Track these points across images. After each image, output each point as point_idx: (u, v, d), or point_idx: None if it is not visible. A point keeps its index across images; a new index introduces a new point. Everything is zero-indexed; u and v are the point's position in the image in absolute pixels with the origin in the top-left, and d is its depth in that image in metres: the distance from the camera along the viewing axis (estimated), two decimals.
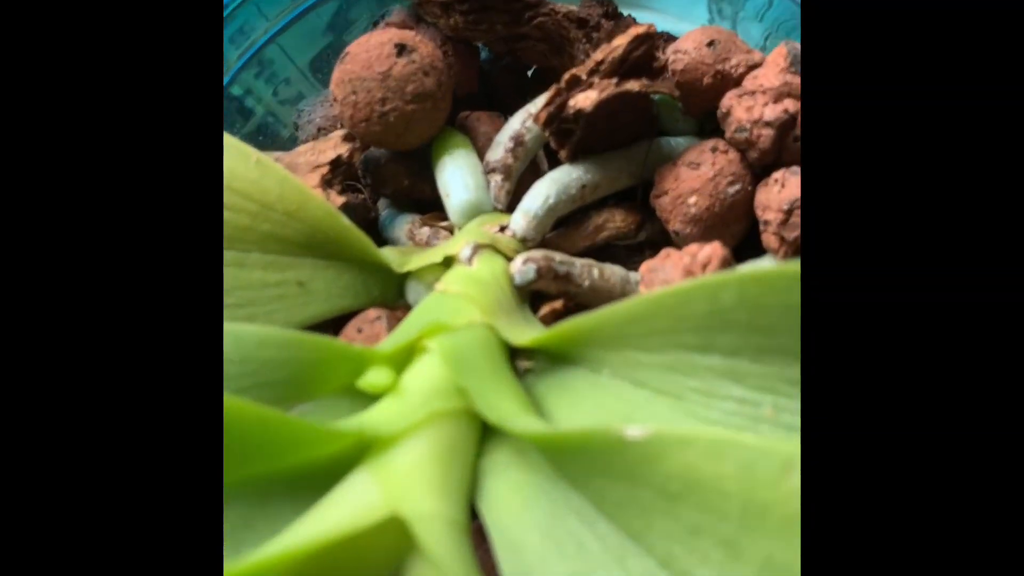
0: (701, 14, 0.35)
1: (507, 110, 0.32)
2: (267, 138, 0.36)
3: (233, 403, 0.20)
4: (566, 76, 0.27)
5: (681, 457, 0.19)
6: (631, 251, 0.30)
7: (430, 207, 0.31)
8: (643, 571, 0.19)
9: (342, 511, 0.20)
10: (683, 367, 0.22)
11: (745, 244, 0.30)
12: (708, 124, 0.32)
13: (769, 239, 0.28)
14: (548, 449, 0.21)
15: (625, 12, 0.33)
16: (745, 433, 0.21)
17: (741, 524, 0.18)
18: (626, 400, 0.23)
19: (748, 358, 0.21)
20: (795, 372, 0.21)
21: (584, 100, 0.27)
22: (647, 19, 0.33)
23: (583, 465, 0.20)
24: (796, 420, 0.21)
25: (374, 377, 0.23)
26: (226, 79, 0.35)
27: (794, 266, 0.20)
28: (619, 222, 0.29)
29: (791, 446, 0.18)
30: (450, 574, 0.19)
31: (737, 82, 0.28)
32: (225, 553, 0.21)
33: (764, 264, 0.29)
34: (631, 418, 0.22)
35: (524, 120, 0.30)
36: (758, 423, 0.21)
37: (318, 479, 0.22)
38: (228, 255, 0.26)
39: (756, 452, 0.18)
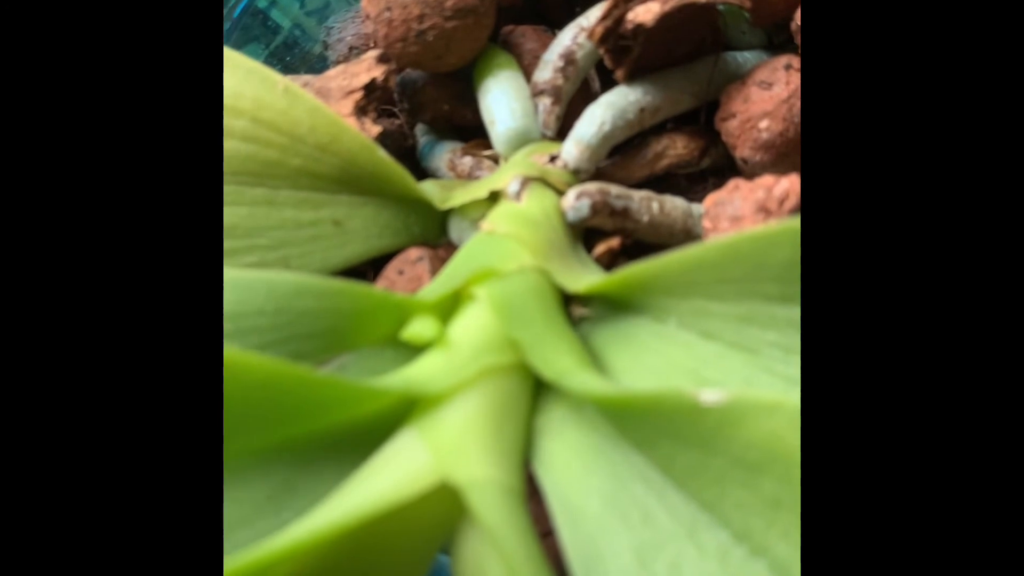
0: None
1: (555, 23, 0.29)
2: (295, 55, 0.34)
3: (269, 363, 0.18)
4: None
5: (763, 425, 0.17)
6: (693, 180, 0.28)
7: (473, 134, 0.28)
8: (717, 545, 0.18)
9: (389, 476, 0.19)
10: (760, 319, 0.20)
11: None
12: (777, 36, 0.29)
13: None
14: (610, 409, 0.20)
15: None
16: None
17: None
18: (695, 354, 0.21)
19: None
20: None
21: (645, 13, 0.24)
22: None
23: (649, 428, 0.19)
24: None
25: (418, 328, 0.21)
26: None
27: None
28: (681, 149, 0.27)
29: None
30: (507, 548, 0.17)
31: None
32: (266, 518, 0.20)
33: None
34: (700, 374, 0.21)
35: (575, 35, 0.27)
36: None
37: (362, 438, 0.21)
38: (257, 192, 0.24)
39: None
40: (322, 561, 0.18)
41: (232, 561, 0.16)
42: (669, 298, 0.21)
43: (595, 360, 0.22)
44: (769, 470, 0.17)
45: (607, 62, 0.26)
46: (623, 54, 0.25)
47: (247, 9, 0.33)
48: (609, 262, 0.25)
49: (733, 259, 0.20)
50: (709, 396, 0.17)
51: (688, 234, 0.26)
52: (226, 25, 0.29)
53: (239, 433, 0.19)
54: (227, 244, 0.24)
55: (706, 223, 0.25)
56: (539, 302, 0.22)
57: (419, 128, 0.30)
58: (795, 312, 0.19)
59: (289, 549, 0.16)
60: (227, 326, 0.20)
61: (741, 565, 0.17)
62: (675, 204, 0.26)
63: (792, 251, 0.19)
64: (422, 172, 0.29)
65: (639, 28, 0.24)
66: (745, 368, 0.20)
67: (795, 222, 0.18)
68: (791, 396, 0.19)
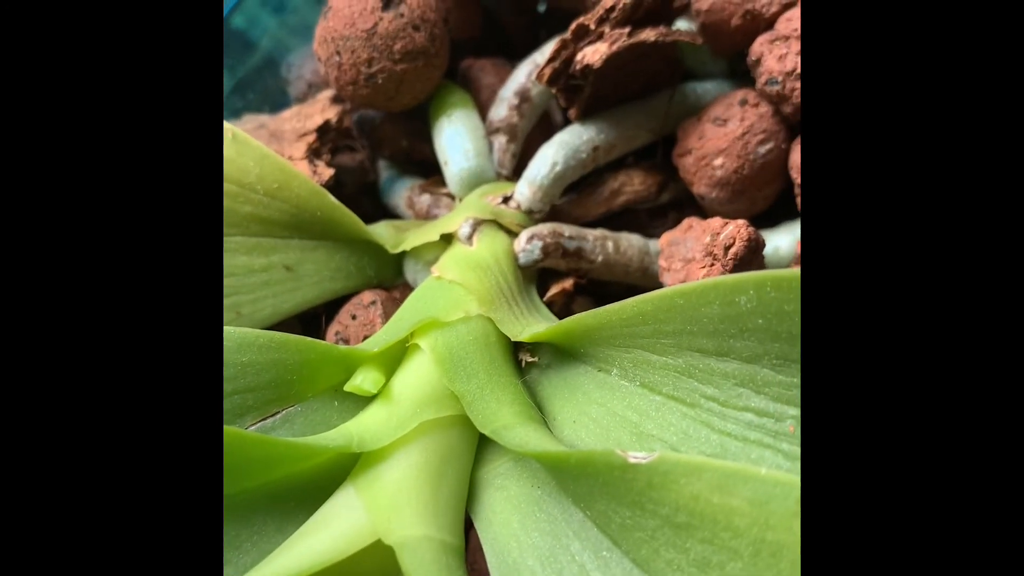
0: None
1: (518, 54, 0.29)
2: (274, 73, 0.33)
3: None
4: (572, 26, 0.24)
5: (689, 487, 0.17)
6: (654, 215, 0.27)
7: (433, 169, 0.28)
8: None
9: (328, 535, 0.19)
10: (697, 372, 0.20)
11: (780, 205, 0.27)
12: (740, 65, 0.28)
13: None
14: (549, 464, 0.20)
15: None
16: (763, 450, 0.19)
17: (752, 564, 0.16)
18: (636, 406, 0.21)
19: (769, 367, 0.19)
20: None
21: (593, 55, 0.24)
22: None
23: (587, 485, 0.19)
24: None
25: (360, 382, 0.21)
26: (227, 8, 0.33)
27: None
28: (638, 185, 0.27)
29: None
30: None
31: (770, 23, 0.25)
32: None
33: (796, 232, 0.26)
34: (640, 427, 0.20)
35: (530, 72, 0.27)
36: (779, 439, 0.19)
37: (304, 493, 0.21)
38: None
39: (769, 486, 0.16)
40: None
41: None
42: (611, 349, 0.21)
43: (541, 409, 0.22)
44: (695, 532, 0.17)
45: (560, 101, 0.26)
46: (575, 93, 0.25)
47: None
48: (563, 303, 0.25)
49: (668, 313, 0.20)
50: (637, 456, 0.17)
51: (645, 272, 0.26)
52: None
53: None
54: None
55: (662, 262, 0.24)
56: (483, 352, 0.22)
57: (381, 163, 0.30)
58: (731, 366, 0.19)
59: None
60: None
61: None
62: (631, 242, 0.26)
63: (722, 307, 0.18)
64: (383, 208, 0.29)
65: (587, 69, 0.24)
66: (683, 421, 0.20)
67: (722, 279, 0.18)
68: (726, 454, 0.19)
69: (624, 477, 0.18)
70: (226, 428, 0.19)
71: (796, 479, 0.16)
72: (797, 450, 0.19)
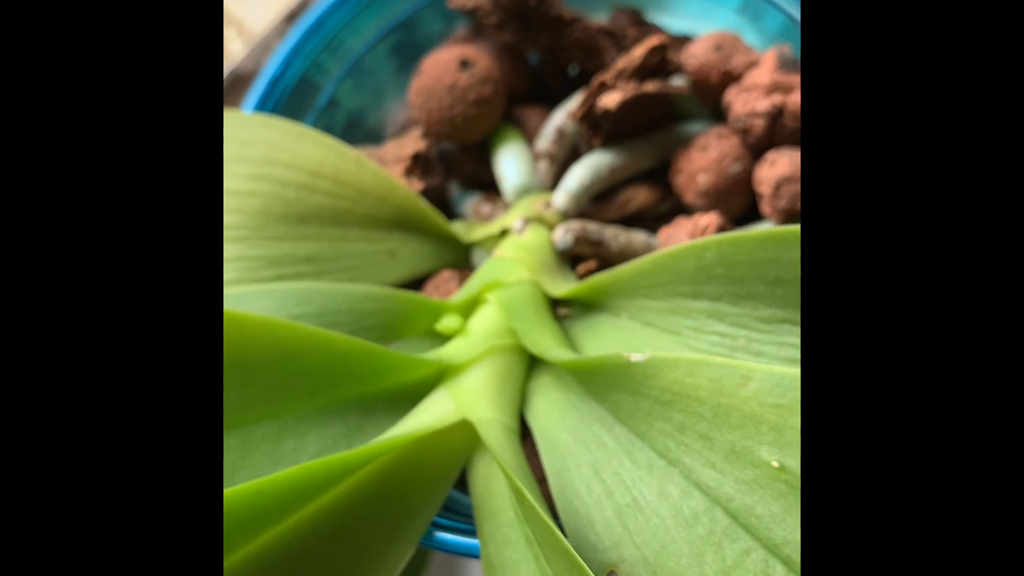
0: (720, 14, 0.41)
1: (554, 103, 0.39)
2: (356, 133, 0.43)
3: (349, 340, 0.28)
4: (595, 82, 0.34)
5: (671, 374, 0.25)
6: (655, 220, 0.37)
7: (491, 187, 0.38)
8: (646, 460, 0.26)
9: (426, 417, 0.28)
10: (680, 310, 0.29)
11: (749, 212, 0.36)
12: (719, 109, 0.38)
13: (764, 208, 0.34)
14: (577, 373, 0.29)
15: (651, 15, 0.39)
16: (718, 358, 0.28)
17: (712, 422, 0.24)
18: (638, 336, 0.30)
19: (728, 302, 0.28)
20: (764, 312, 0.27)
21: (610, 101, 0.33)
22: (671, 22, 0.40)
23: (603, 383, 0.27)
24: (764, 348, 0.27)
25: (448, 322, 0.31)
26: (331, 89, 0.42)
27: (761, 230, 0.26)
28: (643, 197, 0.36)
29: (748, 364, 0.24)
30: (505, 462, 0.26)
31: (739, 79, 0.35)
32: (342, 448, 0.29)
33: (760, 228, 0.35)
34: (641, 349, 0.29)
35: (564, 116, 0.36)
36: (734, 351, 0.28)
37: (408, 396, 0.30)
38: (335, 231, 0.34)
39: (722, 369, 0.24)
40: (380, 475, 0.27)
41: (324, 460, 0.25)
42: (621, 299, 0.30)
43: (571, 343, 0.31)
44: (676, 405, 0.25)
45: (585, 134, 0.35)
46: (597, 128, 0.35)
47: (329, 102, 0.42)
48: (588, 277, 0.34)
49: (659, 269, 0.29)
50: (636, 356, 0.26)
51: None
52: (313, 116, 0.39)
53: (325, 389, 0.29)
54: (312, 268, 0.34)
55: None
56: (532, 303, 0.31)
57: (452, 184, 0.39)
58: (703, 304, 0.28)
59: (363, 453, 0.25)
60: (317, 320, 0.30)
61: (661, 472, 0.26)
62: (639, 236, 0.35)
63: (695, 262, 0.28)
64: (454, 216, 0.39)
65: (606, 111, 0.34)
66: (671, 345, 0.29)
67: (695, 242, 0.27)
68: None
69: (628, 372, 0.26)
70: (362, 342, 0.28)
71: (738, 363, 0.24)
72: (745, 358, 0.27)
